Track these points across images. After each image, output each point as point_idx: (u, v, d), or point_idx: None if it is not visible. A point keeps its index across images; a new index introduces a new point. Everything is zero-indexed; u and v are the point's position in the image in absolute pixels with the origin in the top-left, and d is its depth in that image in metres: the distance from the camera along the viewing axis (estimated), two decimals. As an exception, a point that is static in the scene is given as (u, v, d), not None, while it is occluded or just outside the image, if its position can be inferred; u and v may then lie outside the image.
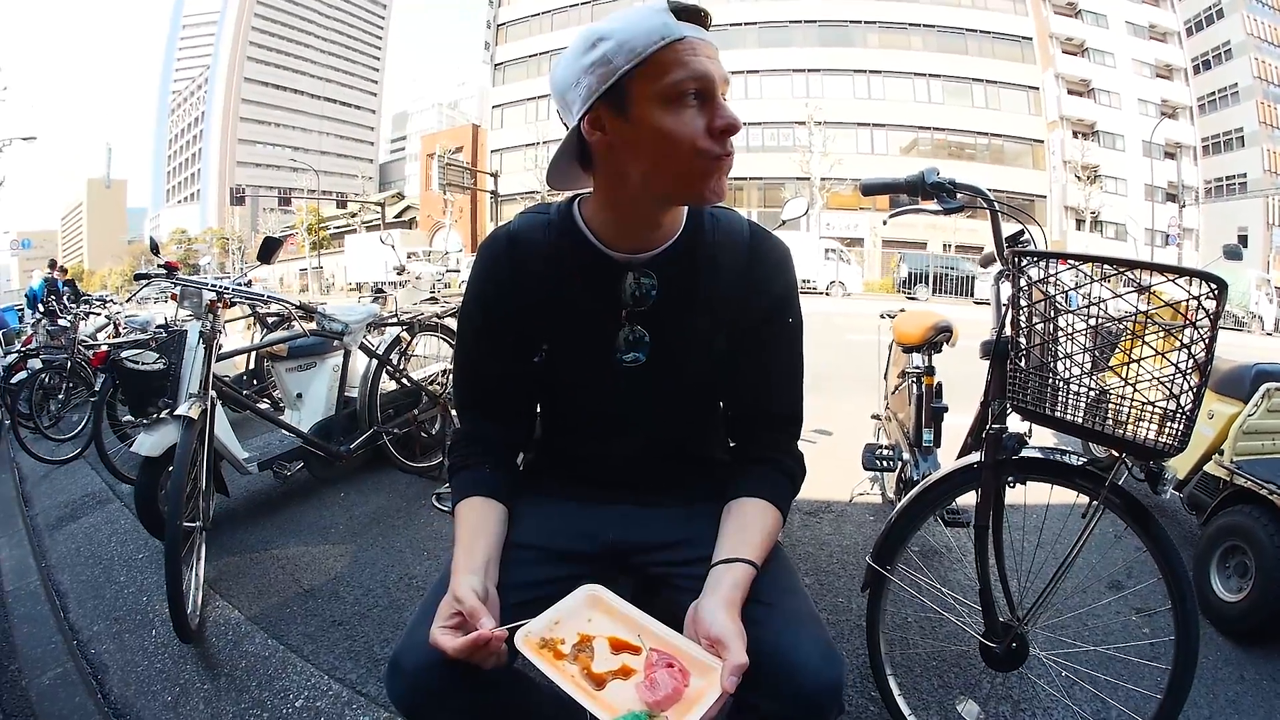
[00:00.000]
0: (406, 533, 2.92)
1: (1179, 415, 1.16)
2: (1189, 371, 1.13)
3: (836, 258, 24.59)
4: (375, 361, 3.48)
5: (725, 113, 0.94)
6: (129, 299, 7.15)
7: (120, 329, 5.96)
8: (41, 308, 5.94)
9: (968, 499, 1.56)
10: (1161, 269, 1.16)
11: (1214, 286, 1.09)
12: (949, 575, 2.40)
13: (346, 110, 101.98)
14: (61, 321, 5.08)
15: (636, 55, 0.91)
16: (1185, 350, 1.13)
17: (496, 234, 1.12)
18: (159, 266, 3.09)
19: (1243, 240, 33.97)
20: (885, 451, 2.64)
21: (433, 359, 4.11)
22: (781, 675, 0.85)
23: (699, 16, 0.94)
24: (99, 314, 6.41)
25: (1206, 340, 1.12)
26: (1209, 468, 2.45)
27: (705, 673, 0.80)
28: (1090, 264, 1.24)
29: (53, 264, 9.71)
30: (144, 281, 3.09)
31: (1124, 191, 36.46)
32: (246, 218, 61.06)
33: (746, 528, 1.01)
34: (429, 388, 3.81)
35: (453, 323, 3.97)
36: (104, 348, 4.27)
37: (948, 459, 1.73)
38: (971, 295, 22.12)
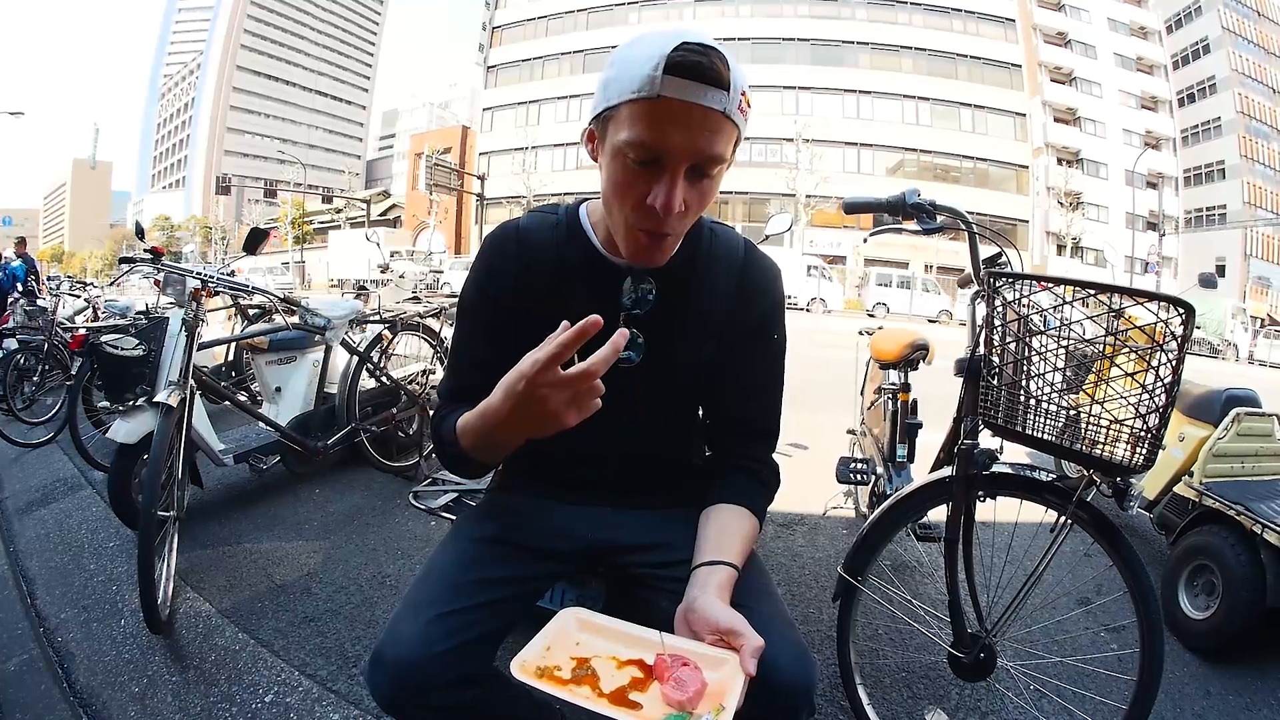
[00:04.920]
0: (381, 532, 2.91)
1: (1146, 434, 1.19)
2: (1156, 392, 1.17)
3: (819, 274, 24.86)
4: (356, 359, 3.47)
5: (660, 191, 0.90)
6: (111, 283, 7.00)
7: (99, 313, 5.87)
8: (20, 288, 5.86)
9: (939, 515, 1.59)
10: (1132, 293, 1.19)
11: (1182, 311, 1.13)
12: (920, 589, 2.42)
13: (337, 105, 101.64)
14: (40, 302, 5.00)
15: (615, 99, 0.90)
16: (1153, 372, 1.16)
17: (506, 227, 1.14)
18: (144, 251, 3.06)
19: (1220, 270, 34.65)
20: (860, 465, 2.66)
21: (413, 359, 4.09)
22: (756, 675, 0.84)
23: (698, 73, 0.86)
24: (77, 296, 6.31)
25: (1174, 363, 1.15)
26: (1179, 489, 2.50)
27: (717, 665, 0.80)
28: (1064, 287, 1.27)
29: (22, 241, 9.48)
30: (128, 265, 3.04)
31: (1105, 219, 37.07)
32: (231, 208, 60.60)
33: (726, 533, 1.03)
34: (408, 387, 3.80)
35: (434, 323, 3.96)
36: (82, 331, 4.23)
37: (921, 475, 1.75)
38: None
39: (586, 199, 1.13)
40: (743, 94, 0.90)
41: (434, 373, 3.96)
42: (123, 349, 2.58)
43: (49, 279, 6.60)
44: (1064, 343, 1.28)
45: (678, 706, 0.75)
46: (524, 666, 0.79)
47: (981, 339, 1.45)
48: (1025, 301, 1.34)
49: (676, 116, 0.87)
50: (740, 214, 34.72)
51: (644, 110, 0.87)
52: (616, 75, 0.90)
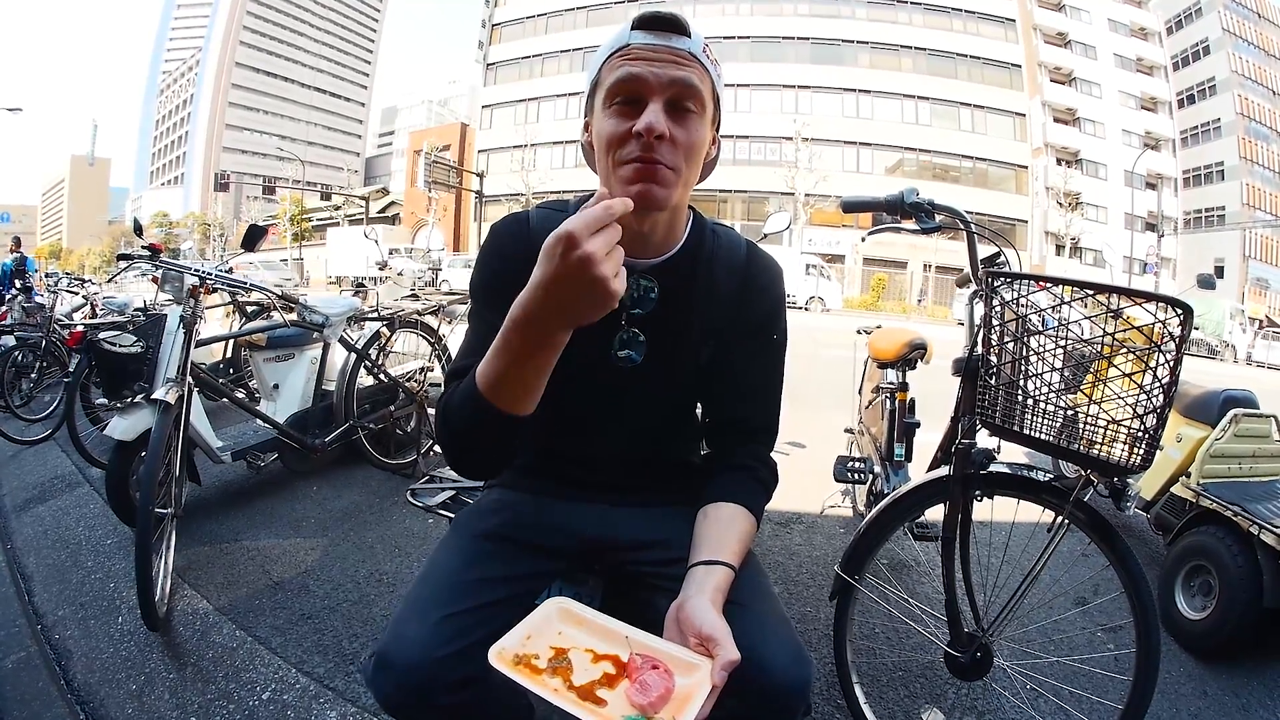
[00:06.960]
0: (378, 529, 2.91)
1: (1143, 434, 1.19)
2: (1154, 393, 1.17)
3: (817, 273, 24.88)
4: (354, 356, 3.46)
5: (642, 119, 0.94)
6: (109, 279, 6.99)
7: (97, 310, 5.86)
8: (18, 284, 5.86)
9: (937, 514, 1.59)
10: (1130, 293, 1.19)
11: (1180, 312, 1.13)
12: (917, 588, 2.43)
13: (336, 102, 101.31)
14: (38, 299, 4.98)
15: (596, 66, 1.01)
16: (1151, 373, 1.17)
17: (517, 216, 1.14)
18: (142, 248, 3.05)
19: (1219, 271, 34.66)
20: (857, 464, 2.66)
21: (411, 356, 4.09)
22: (751, 674, 0.85)
23: (660, 23, 0.97)
24: (75, 293, 6.30)
25: (1172, 363, 1.15)
26: (1176, 489, 2.51)
27: (689, 671, 0.80)
28: (1062, 287, 1.27)
29: (18, 241, 9.45)
30: (126, 262, 3.04)
31: (1104, 219, 37.03)
32: (230, 205, 60.46)
33: (724, 531, 1.03)
34: (406, 384, 3.80)
35: (433, 321, 3.96)
36: (80, 328, 4.22)
37: (919, 474, 1.75)
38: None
39: (594, 194, 1.13)
40: (705, 47, 0.99)
41: (432, 370, 3.96)
42: (120, 346, 2.58)
43: (47, 275, 6.59)
44: (1062, 343, 1.29)
45: (638, 709, 0.76)
46: (501, 655, 0.80)
47: (980, 339, 1.45)
48: (1023, 301, 1.34)
49: (647, 56, 0.96)
50: (739, 212, 34.57)
51: (619, 60, 0.97)
52: (598, 53, 1.02)
